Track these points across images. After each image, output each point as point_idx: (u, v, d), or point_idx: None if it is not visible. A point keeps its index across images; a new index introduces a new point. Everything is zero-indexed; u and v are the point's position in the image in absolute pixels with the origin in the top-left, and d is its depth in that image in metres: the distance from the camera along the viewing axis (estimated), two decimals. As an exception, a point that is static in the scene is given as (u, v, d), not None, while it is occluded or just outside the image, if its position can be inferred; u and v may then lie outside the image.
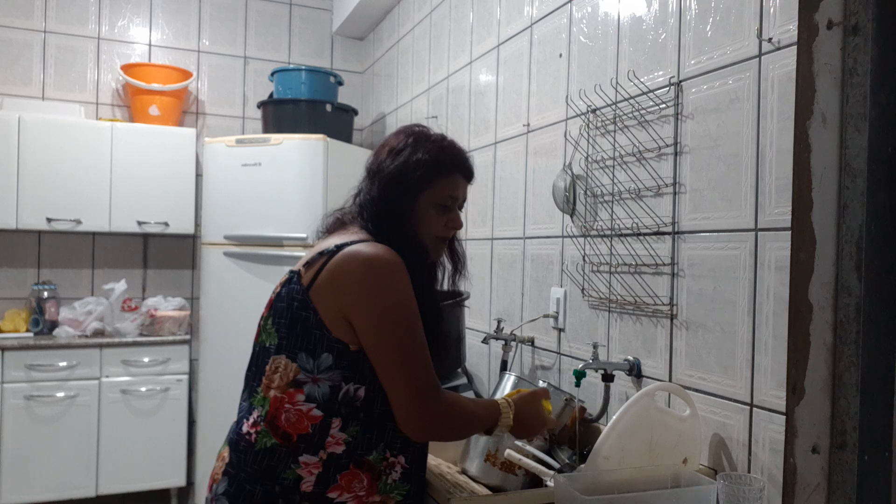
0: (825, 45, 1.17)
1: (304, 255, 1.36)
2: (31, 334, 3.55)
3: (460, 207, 1.45)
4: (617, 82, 1.84)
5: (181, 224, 3.81)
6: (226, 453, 1.30)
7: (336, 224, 1.43)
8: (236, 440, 1.28)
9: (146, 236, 3.96)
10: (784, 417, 1.24)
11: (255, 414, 1.27)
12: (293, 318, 1.26)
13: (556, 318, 2.11)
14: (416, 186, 1.35)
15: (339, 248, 1.27)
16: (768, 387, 1.37)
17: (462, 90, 2.90)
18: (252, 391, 1.32)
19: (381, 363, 1.24)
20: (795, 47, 1.24)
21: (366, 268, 1.23)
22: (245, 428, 1.27)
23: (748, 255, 1.43)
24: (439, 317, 1.39)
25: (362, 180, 1.43)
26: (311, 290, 1.25)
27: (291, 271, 1.32)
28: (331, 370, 1.24)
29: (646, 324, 1.73)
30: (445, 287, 1.49)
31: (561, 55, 2.15)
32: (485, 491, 1.51)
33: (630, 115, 1.80)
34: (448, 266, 1.49)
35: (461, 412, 1.31)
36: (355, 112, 3.89)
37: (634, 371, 1.74)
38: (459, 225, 1.43)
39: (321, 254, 1.28)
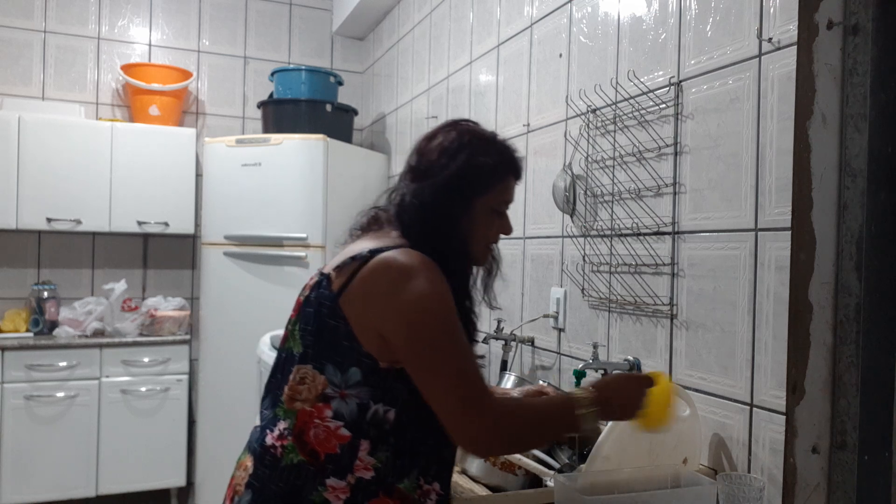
0: (825, 45, 1.17)
1: (337, 256, 1.27)
2: (31, 334, 3.54)
3: (507, 210, 1.35)
4: (617, 82, 1.84)
5: (181, 224, 3.81)
6: (248, 462, 1.22)
7: (371, 222, 1.32)
8: (261, 453, 1.19)
9: (146, 236, 3.96)
10: (784, 417, 1.24)
11: (280, 426, 1.19)
12: (321, 326, 1.18)
13: (556, 318, 2.11)
14: (474, 192, 1.24)
15: (373, 253, 1.17)
16: (768, 387, 1.37)
17: (462, 90, 2.90)
18: (276, 400, 1.22)
19: (421, 376, 1.13)
20: (795, 47, 1.24)
21: (400, 276, 1.13)
22: (270, 440, 1.19)
23: (748, 255, 1.43)
24: (473, 324, 1.29)
25: (402, 178, 1.29)
26: (341, 297, 1.16)
27: (322, 273, 1.23)
28: (359, 386, 1.15)
29: (646, 324, 1.73)
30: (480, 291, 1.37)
31: (561, 55, 2.15)
32: (485, 491, 1.51)
33: (630, 115, 1.80)
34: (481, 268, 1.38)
35: (524, 414, 1.19)
36: (355, 112, 3.89)
37: (634, 371, 1.74)
38: (511, 230, 1.34)
39: (353, 258, 1.19)
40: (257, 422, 1.27)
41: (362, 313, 1.15)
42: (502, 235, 1.32)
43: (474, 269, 1.34)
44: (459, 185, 1.23)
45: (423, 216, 1.22)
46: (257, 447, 1.21)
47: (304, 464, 1.15)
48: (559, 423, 1.19)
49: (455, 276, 1.20)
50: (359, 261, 1.17)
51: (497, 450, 1.22)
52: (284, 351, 1.24)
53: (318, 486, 1.14)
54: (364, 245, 1.22)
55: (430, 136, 1.30)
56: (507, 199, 1.31)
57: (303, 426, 1.16)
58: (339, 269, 1.19)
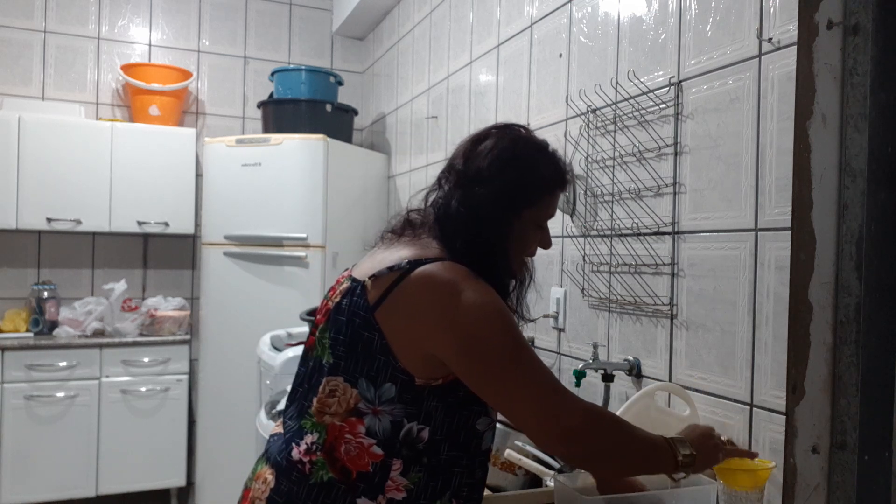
0: (825, 45, 1.16)
1: (368, 260, 1.20)
2: (31, 334, 3.54)
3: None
4: (617, 82, 1.84)
5: (181, 224, 3.81)
6: (269, 475, 1.15)
7: (405, 226, 1.24)
8: (287, 467, 1.13)
9: (146, 236, 3.96)
10: (784, 417, 1.24)
11: (308, 439, 1.13)
12: (354, 337, 1.12)
13: (556, 318, 2.11)
14: (524, 204, 1.18)
15: (413, 265, 1.11)
16: (768, 387, 1.37)
17: (462, 90, 2.90)
18: (304, 411, 1.16)
19: (494, 385, 1.08)
20: (795, 47, 1.24)
21: (448, 295, 1.07)
22: (297, 454, 1.13)
23: (748, 255, 1.43)
24: None
25: (444, 180, 1.22)
26: (377, 310, 1.10)
27: (354, 280, 1.16)
28: (392, 403, 1.09)
29: (646, 324, 1.73)
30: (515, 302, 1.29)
31: (561, 55, 2.15)
32: (485, 491, 1.51)
33: (630, 115, 1.80)
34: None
35: (614, 417, 1.15)
36: (355, 112, 3.89)
37: (634, 371, 1.74)
38: (550, 244, 1.28)
39: (391, 269, 1.12)
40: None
41: (404, 330, 1.09)
42: (540, 249, 1.28)
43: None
44: (511, 196, 1.17)
45: (470, 226, 1.15)
46: (281, 460, 1.14)
47: (334, 481, 1.09)
48: (653, 449, 1.13)
49: (497, 285, 1.15)
50: (398, 272, 1.11)
51: (591, 443, 1.09)
52: (312, 359, 1.18)
53: None
54: (401, 254, 1.15)
55: (478, 139, 1.22)
56: (552, 213, 1.26)
57: (333, 441, 1.10)
58: (375, 278, 1.12)
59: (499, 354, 1.08)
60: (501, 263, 1.18)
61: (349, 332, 1.12)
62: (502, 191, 1.16)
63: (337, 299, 1.17)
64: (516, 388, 1.07)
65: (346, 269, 1.26)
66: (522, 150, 1.20)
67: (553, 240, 2.15)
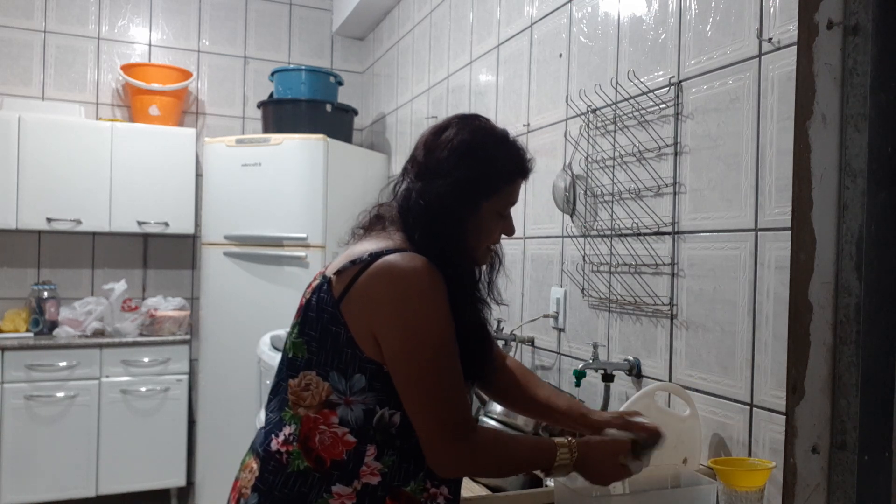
0: (825, 45, 1.16)
1: (340, 257, 1.23)
2: (31, 334, 3.54)
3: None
4: (617, 82, 1.84)
5: (181, 224, 3.81)
6: (254, 465, 1.19)
7: (374, 221, 1.27)
8: (266, 458, 1.17)
9: (146, 236, 3.96)
10: (784, 417, 1.24)
11: (285, 430, 1.17)
12: (323, 332, 1.16)
13: (556, 318, 2.11)
14: (482, 195, 1.20)
15: (374, 257, 1.14)
16: (768, 387, 1.37)
17: (462, 90, 2.90)
18: (282, 404, 1.20)
19: (405, 391, 1.13)
20: (795, 47, 1.24)
21: (399, 284, 1.11)
22: (275, 445, 1.17)
23: (748, 255, 1.43)
24: (480, 326, 1.26)
25: (407, 171, 1.24)
26: (341, 303, 1.14)
27: (324, 276, 1.20)
28: (364, 392, 1.14)
29: (646, 324, 1.73)
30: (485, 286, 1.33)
31: (561, 55, 2.15)
32: (485, 491, 1.51)
33: (630, 115, 1.80)
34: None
35: (498, 451, 1.17)
36: (355, 112, 3.89)
37: (634, 371, 1.74)
38: (514, 231, 1.30)
39: (353, 262, 1.15)
40: (258, 423, 1.25)
41: (362, 320, 1.13)
42: (504, 236, 1.29)
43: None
44: (469, 188, 1.18)
45: (429, 218, 1.17)
46: (261, 451, 1.19)
47: (309, 470, 1.13)
48: (532, 467, 1.21)
49: (458, 277, 1.18)
50: (359, 265, 1.14)
51: (460, 475, 1.22)
52: (288, 353, 1.22)
53: (324, 492, 1.12)
54: (365, 247, 1.18)
55: (439, 130, 1.23)
56: (513, 200, 1.27)
57: (308, 432, 1.14)
58: (339, 273, 1.16)
59: (423, 367, 1.12)
60: (463, 253, 1.20)
61: (319, 328, 1.16)
62: (460, 183, 1.18)
63: (308, 295, 1.21)
64: (426, 403, 1.12)
65: (322, 268, 1.29)
66: (480, 142, 1.21)
67: (553, 240, 2.16)
